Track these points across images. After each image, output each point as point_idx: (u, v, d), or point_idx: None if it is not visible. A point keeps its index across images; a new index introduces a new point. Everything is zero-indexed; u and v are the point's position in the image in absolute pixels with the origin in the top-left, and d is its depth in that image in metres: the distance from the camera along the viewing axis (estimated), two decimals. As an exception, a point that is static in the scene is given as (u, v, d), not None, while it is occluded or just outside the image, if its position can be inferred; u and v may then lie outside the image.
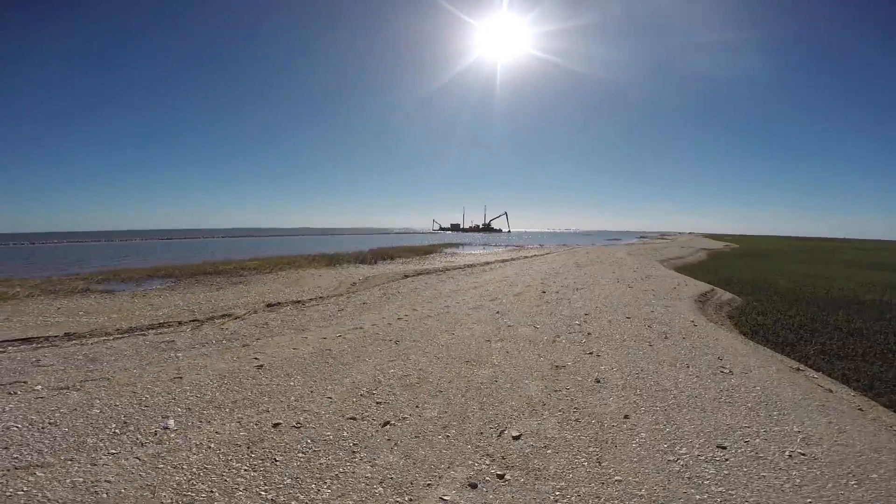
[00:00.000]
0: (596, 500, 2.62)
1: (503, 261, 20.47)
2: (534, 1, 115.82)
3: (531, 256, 23.75)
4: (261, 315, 8.39)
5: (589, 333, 6.59)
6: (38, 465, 2.90)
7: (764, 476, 2.88)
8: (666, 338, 6.37)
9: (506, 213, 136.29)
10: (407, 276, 14.19)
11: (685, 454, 3.13)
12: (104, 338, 6.50)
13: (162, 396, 4.05)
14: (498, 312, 8.12)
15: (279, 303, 9.93)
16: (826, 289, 12.33)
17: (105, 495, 2.60)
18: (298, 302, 10.02)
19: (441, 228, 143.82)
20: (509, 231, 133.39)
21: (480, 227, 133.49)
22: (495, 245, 43.36)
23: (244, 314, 8.43)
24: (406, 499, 2.63)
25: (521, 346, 6.05)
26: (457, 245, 40.64)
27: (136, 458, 3.00)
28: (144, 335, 6.64)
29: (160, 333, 6.77)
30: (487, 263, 19.33)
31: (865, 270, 20.07)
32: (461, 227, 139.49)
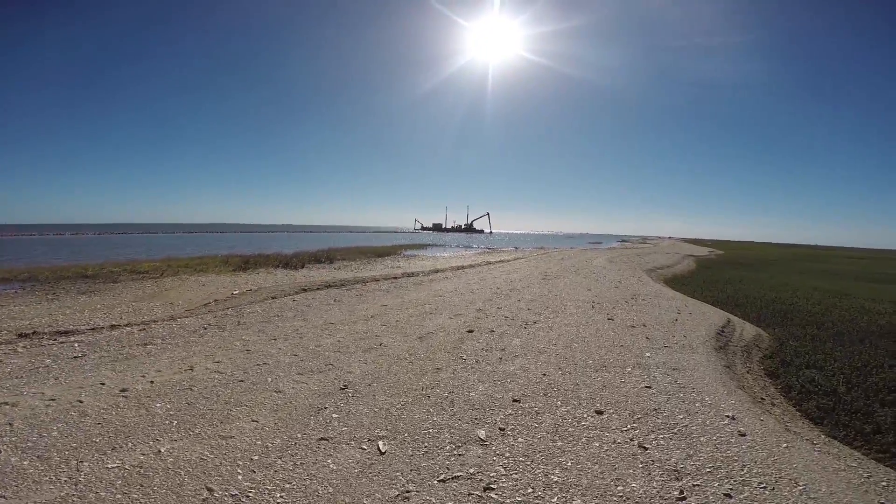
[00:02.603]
0: None
1: (458, 268, 16.71)
2: (526, 3, 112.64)
3: (495, 263, 20.04)
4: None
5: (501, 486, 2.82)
6: None
7: None
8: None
9: (488, 213, 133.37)
10: (307, 290, 10.27)
11: None
12: None
13: None
14: (343, 388, 4.30)
15: (35, 332, 6.02)
16: (858, 311, 9.51)
17: None
18: (113, 327, 6.20)
19: (423, 228, 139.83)
20: (491, 232, 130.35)
21: (462, 227, 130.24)
22: (467, 247, 39.66)
23: None
24: None
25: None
26: (424, 246, 36.81)
27: None
28: None
29: None
30: (437, 272, 15.53)
31: (882, 285, 17.24)
32: (443, 226, 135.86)
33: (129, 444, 3.22)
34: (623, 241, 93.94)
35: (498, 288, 11.03)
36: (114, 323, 7.42)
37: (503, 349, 5.55)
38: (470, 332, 6.38)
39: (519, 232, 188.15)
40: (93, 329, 6.88)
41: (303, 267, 17.97)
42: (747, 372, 5.47)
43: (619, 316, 7.86)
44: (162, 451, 3.13)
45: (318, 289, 10.88)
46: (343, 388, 4.31)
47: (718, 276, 18.94)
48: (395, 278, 13.41)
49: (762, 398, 4.52)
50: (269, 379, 4.57)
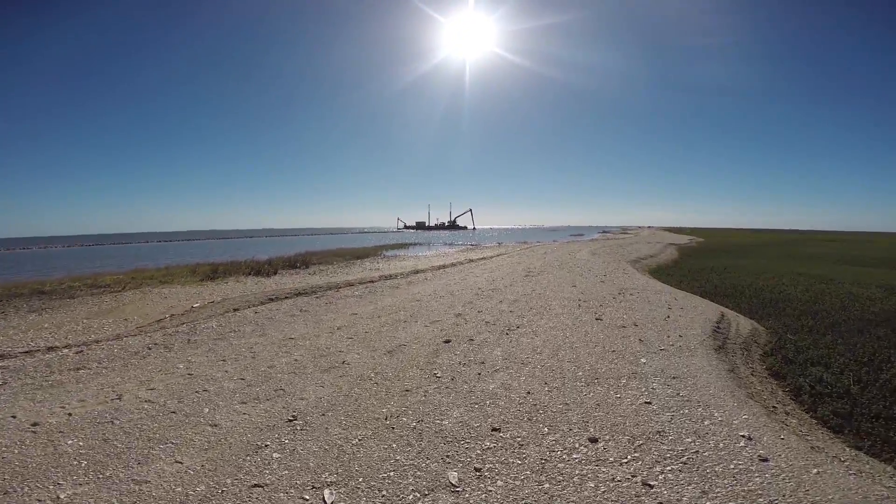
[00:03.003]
0: None
1: (438, 268, 16.07)
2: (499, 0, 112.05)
3: (477, 260, 19.45)
4: None
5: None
6: None
7: None
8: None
9: (470, 210, 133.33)
10: (273, 300, 9.49)
11: None
12: None
13: None
14: (292, 419, 3.62)
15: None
16: (848, 298, 9.33)
17: None
18: (50, 349, 5.37)
19: (406, 227, 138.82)
20: (474, 228, 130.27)
21: (446, 224, 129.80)
22: (450, 245, 39.06)
23: None
24: None
25: None
26: (406, 246, 36.06)
27: None
28: None
29: None
30: (417, 272, 14.86)
31: (863, 268, 17.28)
32: (426, 224, 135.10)
33: (24, 490, 2.56)
34: (604, 232, 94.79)
35: (479, 288, 10.42)
36: (52, 345, 6.60)
37: (483, 362, 4.93)
38: (447, 342, 5.74)
39: (502, 227, 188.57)
40: (27, 352, 6.10)
41: (275, 273, 17.08)
42: (752, 374, 4.98)
43: (608, 315, 7.33)
44: (61, 497, 2.47)
45: (286, 297, 10.11)
46: (291, 420, 3.64)
47: (702, 264, 18.76)
48: (372, 282, 12.70)
49: (774, 406, 4.01)
50: (207, 409, 3.87)
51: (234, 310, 9.02)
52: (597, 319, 6.90)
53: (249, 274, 16.72)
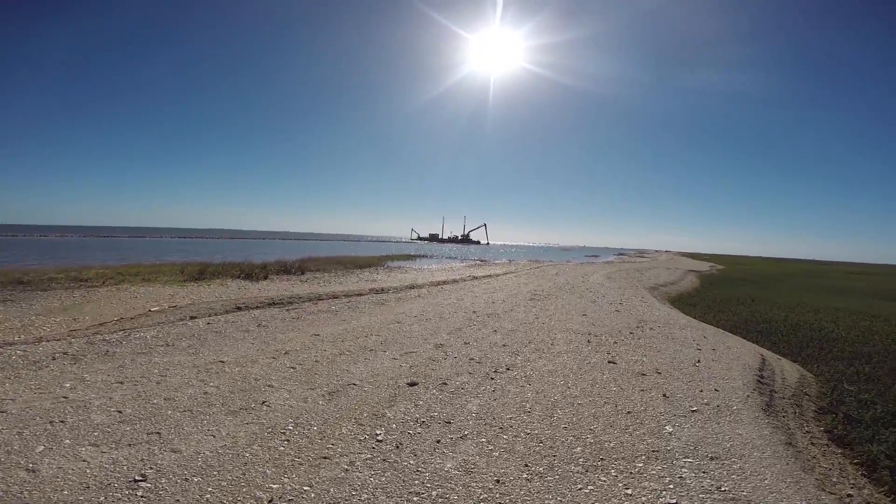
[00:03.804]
0: None
1: (437, 284, 14.82)
2: (527, 15, 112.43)
3: (482, 277, 18.13)
4: None
5: None
6: None
7: None
8: None
9: (485, 224, 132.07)
10: (241, 309, 8.36)
11: None
12: None
13: None
14: (134, 481, 2.41)
15: None
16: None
17: None
18: None
19: (419, 238, 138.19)
20: (488, 243, 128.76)
21: (459, 238, 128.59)
22: (460, 259, 37.79)
23: None
24: None
25: None
26: (413, 257, 34.91)
27: None
28: None
29: None
30: (413, 287, 13.64)
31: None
32: (440, 237, 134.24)
33: None
34: (620, 254, 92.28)
35: (474, 312, 9.13)
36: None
37: (449, 421, 3.65)
38: (412, 385, 4.47)
39: (516, 244, 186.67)
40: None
41: (265, 278, 16.09)
42: (811, 443, 3.62)
43: (624, 356, 5.97)
44: None
45: (256, 307, 8.99)
46: (136, 481, 2.44)
47: (727, 294, 17.15)
48: (360, 295, 11.52)
49: (848, 496, 2.64)
50: (41, 448, 2.78)
51: (192, 317, 7.97)
52: (609, 363, 5.54)
53: (238, 277, 15.78)
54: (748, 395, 4.76)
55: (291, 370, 4.74)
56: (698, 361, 5.85)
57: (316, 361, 5.13)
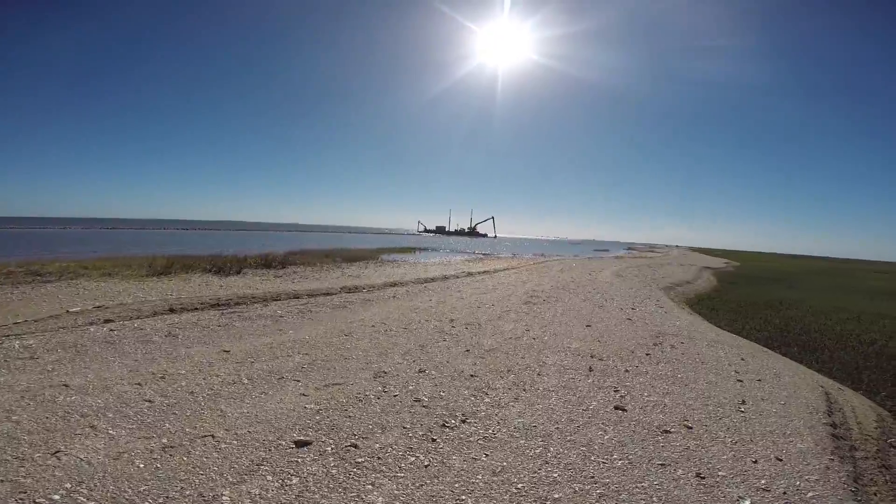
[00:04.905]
0: None
1: (423, 281, 13.20)
2: (535, 7, 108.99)
3: (478, 273, 16.46)
4: None
5: None
6: None
7: None
8: None
9: (493, 217, 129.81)
10: (174, 311, 6.84)
11: None
12: None
13: None
14: None
15: None
16: None
17: None
18: None
19: (426, 230, 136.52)
20: (495, 236, 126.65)
21: (466, 230, 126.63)
22: (461, 252, 36.14)
23: None
24: None
25: None
26: (412, 250, 33.33)
27: None
28: None
29: None
30: (394, 285, 12.04)
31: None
32: (446, 229, 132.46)
33: None
34: (630, 248, 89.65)
35: (451, 320, 7.48)
36: None
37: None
38: (300, 444, 2.85)
39: (524, 237, 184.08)
40: None
41: (238, 273, 14.66)
42: None
43: (637, 395, 4.29)
44: None
45: (194, 309, 7.49)
46: None
47: (749, 294, 15.30)
48: (326, 295, 9.97)
49: None
50: None
51: (107, 321, 6.55)
52: (616, 409, 3.86)
53: (210, 271, 14.40)
54: (827, 467, 3.11)
55: (145, 404, 3.18)
56: (742, 403, 4.17)
57: (190, 393, 3.55)
